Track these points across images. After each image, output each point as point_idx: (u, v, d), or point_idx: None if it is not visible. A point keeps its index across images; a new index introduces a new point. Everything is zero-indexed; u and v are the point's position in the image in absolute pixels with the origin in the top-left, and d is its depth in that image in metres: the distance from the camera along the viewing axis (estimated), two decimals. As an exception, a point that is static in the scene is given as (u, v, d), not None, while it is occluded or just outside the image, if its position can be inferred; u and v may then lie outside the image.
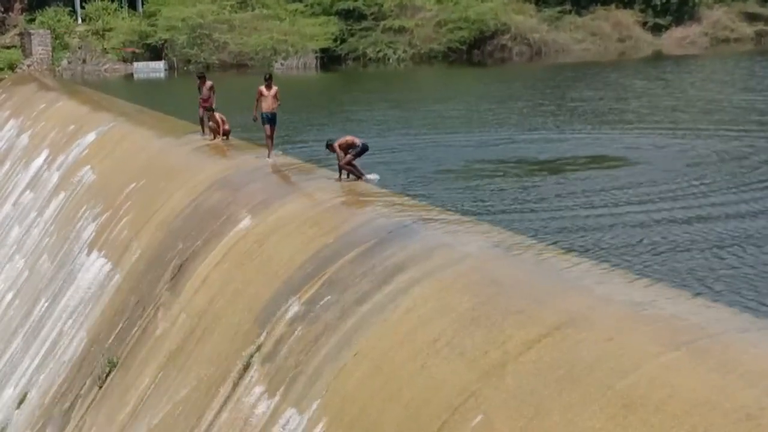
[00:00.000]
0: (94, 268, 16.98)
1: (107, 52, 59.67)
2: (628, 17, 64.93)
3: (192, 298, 12.34)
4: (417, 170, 19.03)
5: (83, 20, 61.88)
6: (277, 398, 8.90)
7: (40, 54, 57.41)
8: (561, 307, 7.20)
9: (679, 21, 66.66)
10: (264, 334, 9.99)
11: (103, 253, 17.17)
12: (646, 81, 41.25)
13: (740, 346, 6.22)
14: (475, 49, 62.17)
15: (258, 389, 9.34)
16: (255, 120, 17.12)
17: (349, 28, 61.48)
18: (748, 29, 67.21)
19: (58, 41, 59.01)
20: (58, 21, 60.13)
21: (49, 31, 58.25)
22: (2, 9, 61.60)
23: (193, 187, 15.80)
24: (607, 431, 5.65)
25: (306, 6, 61.99)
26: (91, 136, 24.75)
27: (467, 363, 7.00)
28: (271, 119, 16.75)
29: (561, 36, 62.87)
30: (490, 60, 60.65)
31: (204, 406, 10.11)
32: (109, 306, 15.14)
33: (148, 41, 59.62)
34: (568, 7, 64.41)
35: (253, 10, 61.33)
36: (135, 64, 59.10)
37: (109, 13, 61.56)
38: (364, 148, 14.16)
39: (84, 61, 59.25)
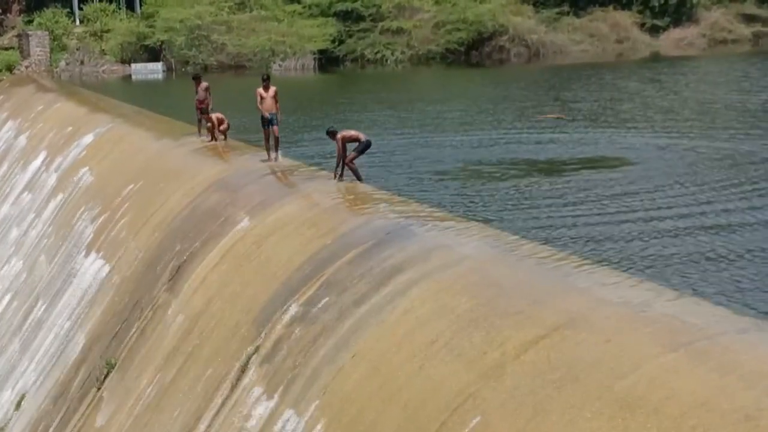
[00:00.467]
0: (92, 269, 16.96)
1: (105, 53, 59.71)
2: (626, 18, 64.97)
3: (190, 300, 12.33)
4: (415, 171, 19.04)
5: (81, 21, 61.92)
6: (275, 399, 8.89)
7: (38, 55, 57.38)
8: (559, 308, 7.19)
9: (676, 22, 66.75)
10: (262, 335, 9.98)
11: (101, 254, 17.15)
12: (639, 83, 41.27)
13: (739, 348, 6.21)
14: (473, 51, 62.20)
15: (256, 390, 9.33)
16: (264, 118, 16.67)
17: (347, 29, 61.50)
18: (745, 30, 67.30)
19: (56, 42, 59.01)
20: (56, 22, 60.14)
21: (47, 33, 58.25)
22: (0, 10, 61.57)
23: (192, 189, 15.77)
24: (605, 432, 5.64)
25: (304, 7, 61.97)
26: (89, 138, 24.71)
27: (465, 364, 7.00)
28: (271, 121, 16.68)
29: (559, 37, 62.89)
30: (488, 61, 60.65)
31: (203, 407, 10.10)
32: (108, 307, 15.12)
33: (146, 42, 59.63)
34: (566, 8, 64.46)
35: (251, 11, 61.32)
36: (133, 65, 59.13)
37: (107, 15, 61.60)
38: (368, 144, 13.89)
39: (82, 63, 59.30)
